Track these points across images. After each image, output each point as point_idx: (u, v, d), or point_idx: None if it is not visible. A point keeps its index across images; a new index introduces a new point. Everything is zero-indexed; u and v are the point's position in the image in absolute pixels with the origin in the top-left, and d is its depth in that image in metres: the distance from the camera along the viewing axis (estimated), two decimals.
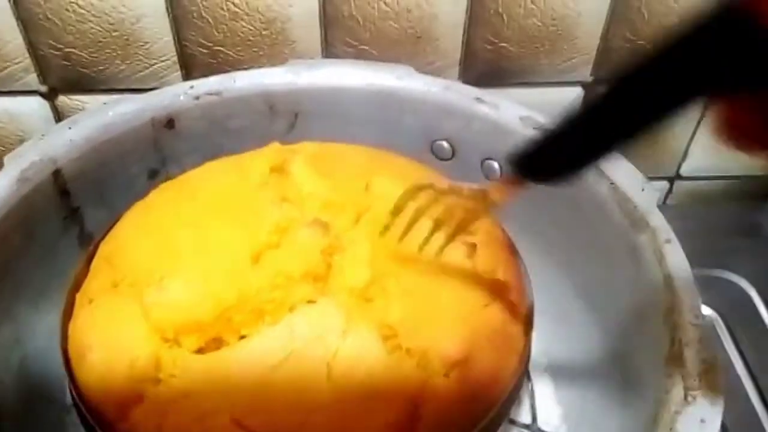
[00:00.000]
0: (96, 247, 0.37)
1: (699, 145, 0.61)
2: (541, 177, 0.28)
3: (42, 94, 0.53)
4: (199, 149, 0.45)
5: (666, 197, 0.64)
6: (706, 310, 0.55)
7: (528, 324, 0.35)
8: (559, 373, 0.43)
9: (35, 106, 0.54)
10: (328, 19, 0.50)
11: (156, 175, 0.46)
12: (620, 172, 0.39)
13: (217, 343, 0.31)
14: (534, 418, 0.40)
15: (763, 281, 0.56)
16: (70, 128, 0.41)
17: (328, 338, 0.30)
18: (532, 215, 0.44)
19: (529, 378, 0.42)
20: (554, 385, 0.43)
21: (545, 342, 0.44)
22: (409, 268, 0.33)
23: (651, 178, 0.62)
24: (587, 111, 0.25)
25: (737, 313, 0.55)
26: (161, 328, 0.31)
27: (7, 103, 0.54)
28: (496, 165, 0.46)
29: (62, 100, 0.54)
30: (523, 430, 0.39)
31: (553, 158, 0.27)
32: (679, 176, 0.63)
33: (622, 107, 0.24)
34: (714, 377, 0.28)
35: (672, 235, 0.35)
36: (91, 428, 0.30)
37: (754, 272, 0.56)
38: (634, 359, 0.36)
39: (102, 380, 0.30)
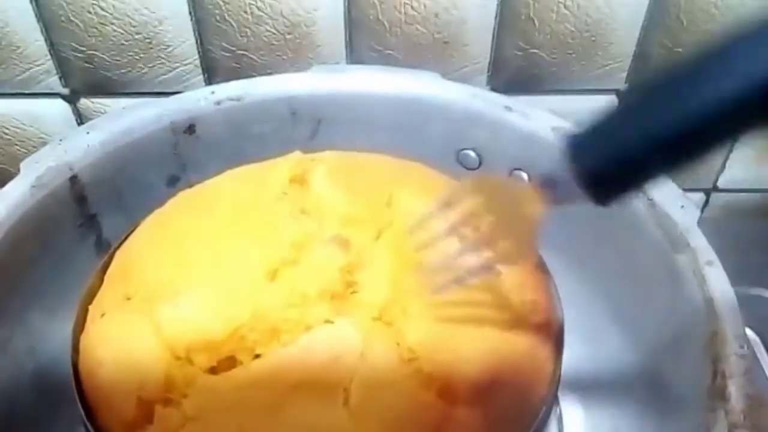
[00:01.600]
0: (111, 257, 0.36)
1: (738, 157, 0.58)
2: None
3: (64, 97, 0.53)
4: (220, 155, 0.44)
5: (702, 210, 0.62)
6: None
7: (558, 346, 0.33)
8: (590, 397, 0.41)
9: (57, 109, 0.54)
10: (353, 24, 0.49)
11: (176, 182, 0.45)
12: (658, 188, 0.37)
13: (230, 362, 0.30)
14: None
15: None
16: (88, 133, 0.41)
17: (346, 361, 0.29)
18: (563, 232, 0.42)
19: (557, 401, 0.40)
20: (584, 409, 0.41)
21: (575, 364, 0.42)
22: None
23: (687, 190, 0.60)
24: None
25: None
26: (173, 345, 0.30)
27: (29, 106, 0.54)
28: (525, 176, 0.44)
29: (84, 102, 0.53)
30: None
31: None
32: (716, 188, 0.60)
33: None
34: (761, 414, 0.26)
35: (714, 257, 0.33)
36: None
37: None
38: (672, 388, 0.34)
39: (111, 398, 0.29)
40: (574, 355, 0.41)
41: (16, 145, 0.56)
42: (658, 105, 0.24)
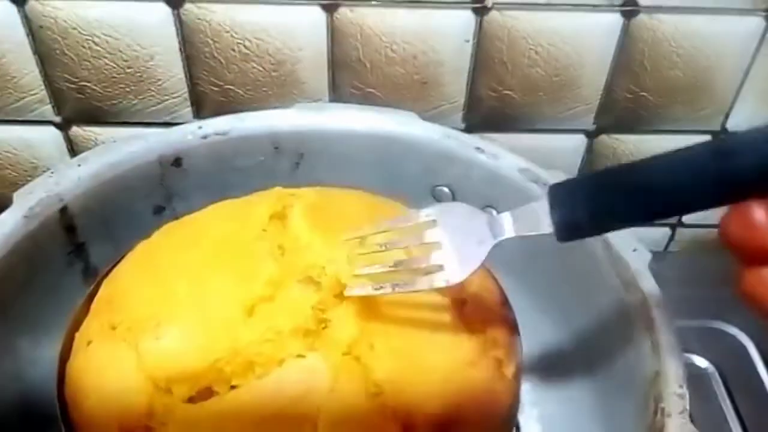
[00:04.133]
0: (98, 285, 0.38)
1: None
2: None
3: (56, 125, 0.55)
4: (205, 187, 0.46)
5: (668, 244, 0.64)
6: (702, 362, 0.55)
7: (516, 382, 0.35)
8: (550, 425, 0.43)
9: (49, 136, 0.56)
10: (336, 63, 0.51)
11: (162, 211, 0.47)
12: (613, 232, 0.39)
13: (207, 393, 0.32)
14: None
15: (761, 334, 0.56)
16: (79, 165, 0.43)
17: (315, 395, 0.31)
18: (529, 264, 0.44)
19: (518, 429, 0.43)
20: None
21: (538, 393, 0.44)
22: (398, 324, 0.34)
23: (653, 225, 0.63)
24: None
25: (733, 365, 0.55)
26: (154, 375, 0.32)
27: (22, 132, 0.55)
28: (495, 213, 0.46)
29: (75, 130, 0.55)
30: None
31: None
32: (681, 223, 0.63)
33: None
34: None
35: (662, 300, 0.35)
36: None
37: (751, 325, 0.56)
38: (622, 421, 0.36)
39: (94, 427, 0.31)
40: (537, 385, 0.44)
41: (8, 169, 0.58)
42: (640, 173, 0.27)
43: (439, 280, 0.31)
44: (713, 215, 0.58)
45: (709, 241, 0.64)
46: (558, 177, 0.43)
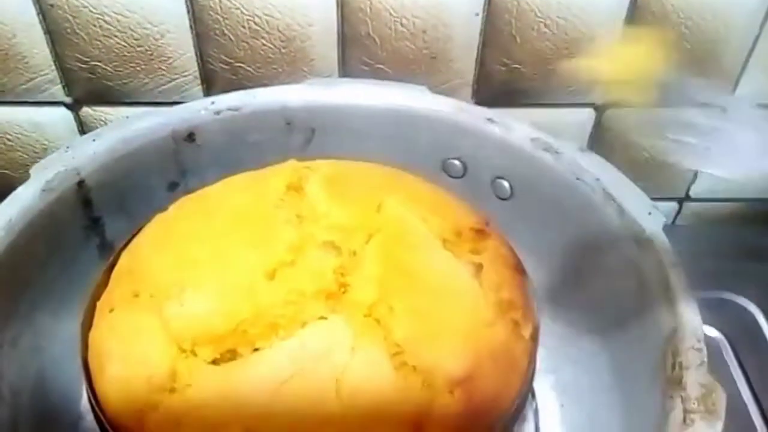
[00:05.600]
0: (117, 257, 0.38)
1: None
2: None
3: (67, 105, 0.55)
4: (219, 162, 0.46)
5: (675, 218, 0.65)
6: (712, 332, 0.55)
7: (533, 343, 0.35)
8: (565, 392, 0.44)
9: (60, 117, 0.56)
10: (346, 39, 0.51)
11: (176, 187, 0.48)
12: (628, 196, 0.40)
13: (231, 355, 0.32)
14: None
15: None
16: (94, 140, 0.43)
17: (337, 354, 0.31)
18: (540, 232, 0.45)
19: (533, 396, 0.43)
20: (559, 404, 0.44)
21: (553, 360, 0.45)
22: (417, 287, 0.34)
23: (661, 199, 0.63)
24: None
25: (743, 335, 0.55)
26: (179, 339, 0.32)
27: (33, 113, 0.56)
28: (506, 184, 0.47)
29: (86, 111, 0.55)
30: None
31: None
32: (688, 197, 0.64)
33: None
34: (713, 401, 0.29)
35: (677, 260, 0.36)
36: None
37: (760, 295, 0.56)
38: (638, 381, 0.37)
39: (120, 391, 0.32)
40: (552, 353, 0.44)
41: (18, 151, 0.58)
42: None
43: None
44: (720, 189, 0.59)
45: (716, 214, 0.65)
46: (569, 146, 0.44)
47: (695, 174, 0.62)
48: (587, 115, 0.56)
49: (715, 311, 0.57)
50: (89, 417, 0.35)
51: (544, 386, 0.45)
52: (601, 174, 0.41)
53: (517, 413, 0.34)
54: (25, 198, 0.39)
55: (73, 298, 0.40)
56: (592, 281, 0.42)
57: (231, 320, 0.32)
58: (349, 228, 0.36)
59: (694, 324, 0.32)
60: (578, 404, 0.43)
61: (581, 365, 0.43)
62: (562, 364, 0.45)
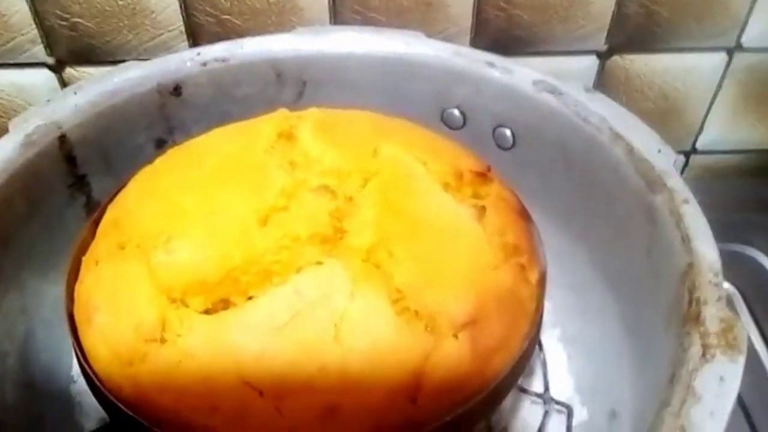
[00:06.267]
0: (102, 211, 0.36)
1: (715, 119, 0.60)
2: None
3: (49, 66, 0.53)
4: (207, 118, 0.44)
5: (682, 171, 0.63)
6: (724, 285, 0.54)
7: (540, 288, 0.34)
8: (573, 344, 0.42)
9: (42, 79, 0.54)
10: None
11: (163, 145, 0.46)
12: (637, 135, 0.38)
13: (224, 304, 0.30)
14: (546, 388, 0.39)
15: None
16: (75, 93, 0.41)
17: (335, 300, 0.30)
18: (545, 180, 0.43)
19: (541, 348, 0.42)
20: (567, 355, 0.42)
21: (559, 313, 0.43)
22: (417, 231, 0.33)
23: None
24: None
25: (755, 287, 0.54)
26: (168, 288, 0.30)
27: (15, 76, 0.54)
28: (508, 132, 0.45)
29: (69, 72, 0.53)
30: (535, 398, 0.39)
31: None
32: (695, 150, 0.62)
33: None
34: (734, 335, 0.27)
35: (690, 195, 0.34)
36: (98, 392, 0.30)
37: None
38: (649, 326, 0.35)
39: (108, 342, 0.30)
40: (558, 305, 0.43)
41: (1, 116, 0.56)
42: None
43: None
44: (727, 140, 0.56)
45: (724, 166, 0.63)
46: (574, 87, 0.42)
47: (702, 125, 0.60)
48: (590, 62, 0.54)
49: (725, 264, 0.55)
50: (81, 380, 0.34)
51: (551, 339, 0.43)
52: (607, 113, 0.39)
53: (524, 360, 0.32)
54: (3, 152, 0.37)
55: (60, 258, 0.38)
56: (601, 226, 0.40)
57: (222, 268, 0.30)
58: (344, 172, 0.34)
59: (710, 258, 0.31)
60: (586, 355, 0.41)
61: (589, 315, 0.42)
62: (569, 316, 0.44)
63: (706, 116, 0.59)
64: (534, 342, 0.33)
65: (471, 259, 0.32)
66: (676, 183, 0.35)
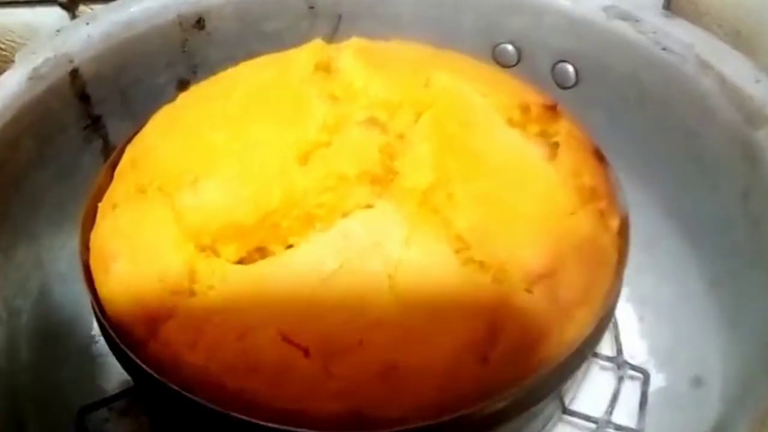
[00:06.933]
0: (120, 152, 0.32)
1: None
2: None
3: (62, 5, 0.49)
4: (233, 56, 0.39)
5: None
6: None
7: (622, 237, 0.29)
8: (644, 304, 0.38)
9: (55, 19, 0.49)
10: None
11: (186, 87, 0.41)
12: (729, 63, 0.33)
13: (260, 253, 0.26)
14: (619, 351, 0.35)
15: None
16: (87, 24, 0.37)
17: (389, 247, 0.26)
18: (612, 122, 0.38)
19: None
20: (638, 317, 0.38)
21: (627, 269, 0.39)
22: (480, 171, 0.28)
23: None
24: None
25: None
26: (196, 234, 0.26)
27: (26, 16, 0.49)
28: (570, 69, 0.40)
29: (83, 10, 0.49)
30: (605, 363, 0.34)
31: None
32: None
33: None
34: None
35: None
36: (119, 350, 0.26)
37: None
38: (744, 283, 0.31)
39: (128, 293, 0.26)
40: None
41: (14, 61, 0.52)
42: None
43: None
44: None
45: None
46: (651, 12, 0.37)
47: None
48: None
49: None
50: (102, 341, 0.30)
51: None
52: (692, 40, 0.34)
53: (607, 319, 0.28)
54: (9, 85, 0.33)
55: (76, 208, 0.34)
56: (680, 170, 0.35)
57: (258, 211, 0.26)
58: (393, 104, 0.30)
59: None
60: (661, 315, 0.37)
61: (663, 272, 0.37)
62: (639, 274, 0.39)
63: None
64: (617, 298, 0.28)
65: (544, 203, 0.28)
66: None
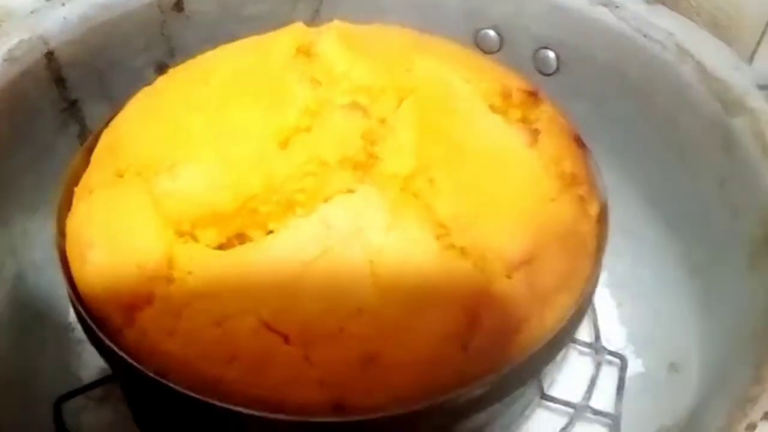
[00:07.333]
0: (97, 137, 0.32)
1: None
2: None
3: None
4: (212, 39, 0.39)
5: None
6: None
7: (601, 224, 0.30)
8: (622, 289, 0.38)
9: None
10: None
11: (164, 70, 0.41)
12: (708, 51, 0.33)
13: (240, 239, 0.26)
14: (597, 337, 0.35)
15: None
16: (63, 5, 0.36)
17: (371, 233, 0.25)
18: (594, 109, 0.38)
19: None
20: (616, 302, 0.38)
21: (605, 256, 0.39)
22: (461, 156, 0.28)
23: None
24: None
25: None
26: (175, 220, 0.26)
27: None
28: (552, 55, 0.40)
29: None
30: (583, 349, 0.35)
31: None
32: None
33: None
34: None
35: None
36: (96, 338, 0.26)
37: None
38: (721, 268, 0.31)
39: (105, 280, 0.26)
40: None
41: None
42: None
43: None
44: None
45: None
46: (634, 0, 0.37)
47: (752, 56, 0.55)
48: None
49: None
50: (79, 329, 0.29)
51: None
52: (674, 28, 0.34)
53: (586, 305, 0.28)
54: None
55: (51, 194, 0.33)
56: (659, 158, 0.36)
57: (237, 196, 0.26)
58: (375, 90, 0.30)
59: None
60: (639, 301, 0.37)
61: (641, 257, 0.38)
62: (617, 259, 0.39)
63: (758, 45, 0.54)
64: (595, 285, 0.28)
65: (525, 189, 0.28)
66: (759, 104, 0.30)
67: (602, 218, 0.30)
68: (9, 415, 0.32)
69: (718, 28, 0.50)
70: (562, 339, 0.26)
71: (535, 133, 0.30)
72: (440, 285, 0.25)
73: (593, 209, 0.30)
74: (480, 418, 0.26)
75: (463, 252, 0.26)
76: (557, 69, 0.40)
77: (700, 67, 0.32)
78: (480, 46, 0.42)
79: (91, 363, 0.36)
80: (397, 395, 0.23)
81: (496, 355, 0.25)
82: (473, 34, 0.42)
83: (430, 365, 0.24)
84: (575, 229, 0.28)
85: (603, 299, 0.38)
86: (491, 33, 0.42)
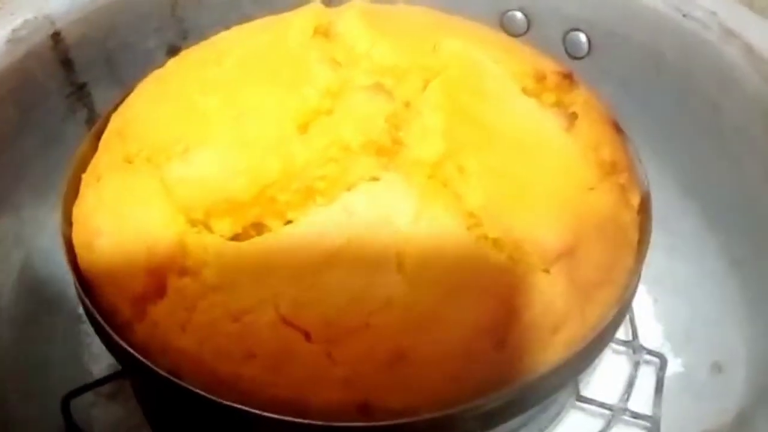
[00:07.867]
0: (106, 120, 0.30)
1: None
2: None
3: None
4: (225, 21, 0.37)
5: None
6: None
7: (645, 214, 0.28)
8: (658, 284, 0.36)
9: None
10: None
11: (176, 53, 0.39)
12: (755, 30, 0.31)
13: (257, 229, 0.24)
14: (634, 335, 0.33)
15: None
16: None
17: (397, 222, 0.24)
18: (627, 94, 0.36)
19: None
20: (653, 299, 0.36)
21: None
22: (493, 142, 0.26)
23: None
24: None
25: None
26: (187, 208, 0.24)
27: None
28: (583, 37, 0.38)
29: None
30: (620, 347, 0.33)
31: None
32: None
33: None
34: None
35: None
36: (103, 332, 0.24)
37: None
38: (763, 260, 0.29)
39: (114, 271, 0.24)
40: None
41: None
42: None
43: None
44: None
45: None
46: None
47: None
48: None
49: None
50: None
51: None
52: (716, 7, 0.32)
53: (629, 300, 0.26)
54: None
55: (59, 180, 0.32)
56: (699, 145, 0.34)
57: (254, 183, 0.24)
58: (399, 71, 0.28)
59: None
60: (677, 297, 0.35)
61: (678, 251, 0.35)
62: (652, 250, 0.37)
63: None
64: (638, 279, 0.26)
65: (562, 176, 0.26)
66: None
67: (644, 208, 0.28)
68: (18, 409, 0.31)
69: (753, 7, 0.48)
70: (604, 337, 0.24)
71: (571, 118, 0.28)
72: (473, 277, 0.23)
73: (635, 199, 0.28)
74: (513, 421, 0.24)
75: (496, 243, 0.24)
76: (588, 52, 0.38)
77: (747, 48, 0.30)
78: (506, 28, 0.40)
79: (102, 355, 0.35)
80: (427, 396, 0.22)
81: (534, 355, 0.23)
82: (499, 16, 0.40)
83: (463, 363, 0.22)
84: (616, 219, 0.26)
85: (638, 295, 0.36)
86: (518, 14, 0.40)
